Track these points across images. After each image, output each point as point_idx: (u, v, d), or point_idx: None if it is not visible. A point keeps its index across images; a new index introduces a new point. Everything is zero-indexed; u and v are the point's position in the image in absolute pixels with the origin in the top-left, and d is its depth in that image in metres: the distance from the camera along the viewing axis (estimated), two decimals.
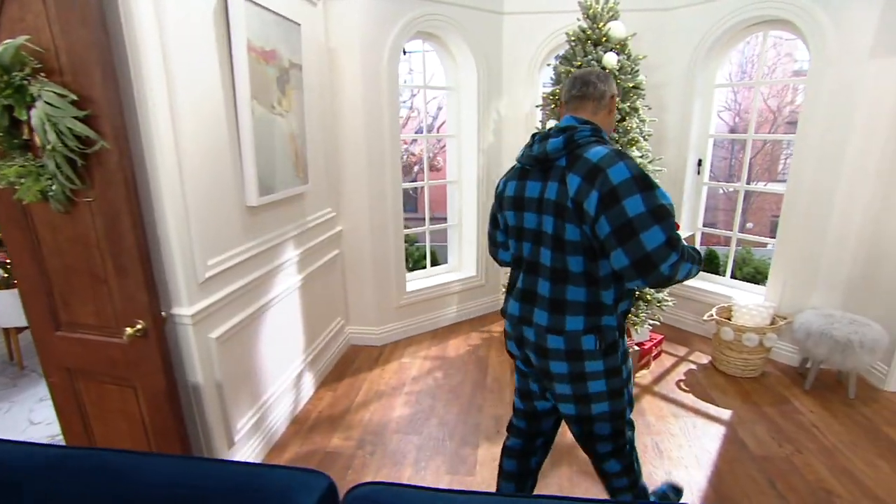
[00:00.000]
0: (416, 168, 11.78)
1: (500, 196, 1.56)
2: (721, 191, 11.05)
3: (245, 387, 2.22)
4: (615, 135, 2.76)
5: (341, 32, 2.91)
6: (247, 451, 2.21)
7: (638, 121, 2.82)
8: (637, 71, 2.86)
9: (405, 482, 2.15)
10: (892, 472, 2.22)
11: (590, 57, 2.76)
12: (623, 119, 2.81)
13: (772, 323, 3.04)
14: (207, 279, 1.90)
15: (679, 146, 3.44)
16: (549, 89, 3.06)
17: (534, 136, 1.44)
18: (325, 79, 2.93)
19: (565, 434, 2.46)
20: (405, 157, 11.32)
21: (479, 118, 3.50)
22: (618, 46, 2.81)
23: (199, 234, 1.85)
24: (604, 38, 2.79)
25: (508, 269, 1.63)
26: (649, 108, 3.16)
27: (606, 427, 1.50)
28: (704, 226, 3.79)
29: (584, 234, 1.29)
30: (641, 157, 2.87)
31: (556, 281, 1.37)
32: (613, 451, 1.57)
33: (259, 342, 2.31)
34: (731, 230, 3.48)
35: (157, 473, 0.87)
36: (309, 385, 2.83)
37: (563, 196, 1.30)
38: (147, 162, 1.67)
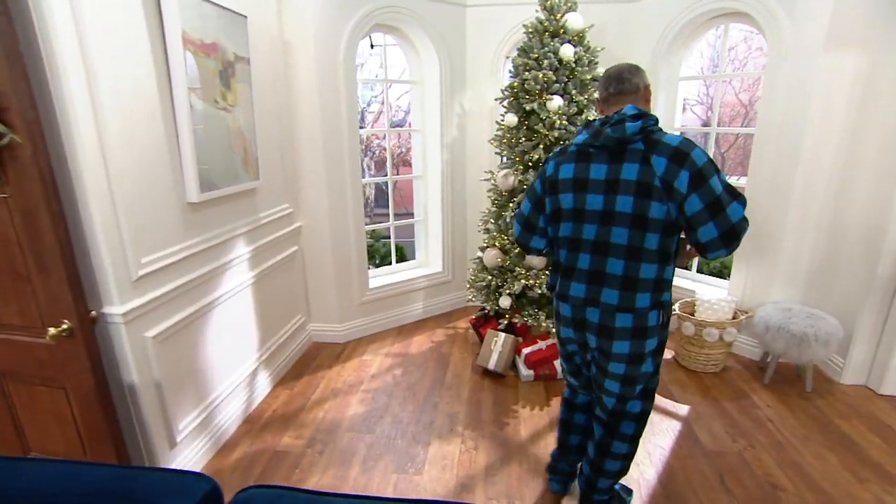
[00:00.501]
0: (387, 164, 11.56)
1: (551, 179, 1.57)
2: None
3: (189, 386, 2.18)
4: (573, 128, 2.74)
5: (295, 24, 2.86)
6: (191, 451, 2.17)
7: (596, 113, 2.79)
8: (596, 63, 2.83)
9: (350, 481, 2.13)
10: (838, 463, 2.23)
11: (547, 49, 2.73)
12: (581, 111, 2.78)
13: (733, 317, 3.04)
14: (141, 277, 1.86)
15: None
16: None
17: (591, 122, 1.52)
18: (280, 73, 2.88)
19: (519, 433, 2.46)
20: (378, 151, 11.21)
21: (443, 112, 3.46)
22: (575, 38, 2.79)
23: (131, 232, 1.80)
24: (561, 30, 2.76)
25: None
26: None
27: (638, 388, 1.65)
28: None
29: (669, 211, 1.40)
30: None
31: (631, 259, 1.45)
32: (640, 414, 1.70)
33: (205, 341, 2.27)
34: None
35: (7, 479, 0.84)
36: (265, 383, 2.79)
37: (648, 176, 1.39)
38: (68, 157, 1.62)
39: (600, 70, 2.85)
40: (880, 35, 2.50)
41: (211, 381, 2.33)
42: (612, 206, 1.45)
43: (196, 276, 2.16)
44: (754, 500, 2.02)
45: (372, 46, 4.00)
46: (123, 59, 1.74)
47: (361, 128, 11.58)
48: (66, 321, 1.67)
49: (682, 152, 1.38)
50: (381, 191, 12.11)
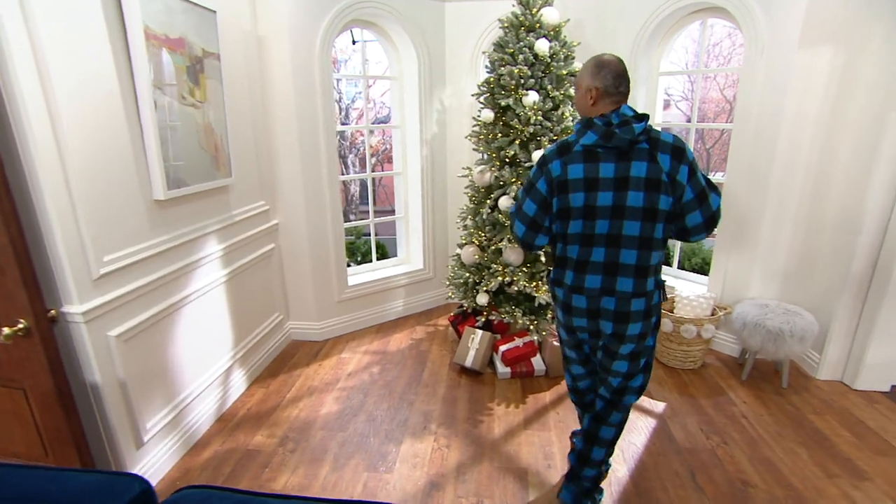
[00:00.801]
0: (373, 160, 11.55)
1: (559, 179, 1.62)
2: None
3: (158, 385, 2.16)
4: (549, 123, 2.72)
5: (270, 20, 2.83)
6: (160, 451, 2.15)
7: (571, 109, 2.77)
8: (572, 58, 2.81)
9: (320, 480, 2.12)
10: (809, 459, 2.23)
11: (522, 43, 2.71)
12: (556, 107, 2.76)
13: (712, 314, 3.04)
14: (104, 275, 1.84)
15: None
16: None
17: (593, 122, 1.55)
18: (254, 68, 2.85)
19: (492, 431, 2.45)
20: (363, 148, 11.17)
21: (422, 108, 3.43)
22: (551, 33, 2.76)
23: (92, 230, 1.78)
24: (537, 25, 2.74)
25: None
26: None
27: (642, 361, 1.79)
28: None
29: (673, 203, 1.56)
30: None
31: (643, 248, 1.60)
32: (641, 387, 1.83)
33: (174, 339, 2.25)
34: None
35: None
36: (240, 381, 2.78)
37: (657, 172, 1.53)
38: (21, 154, 1.59)
39: (577, 65, 2.83)
40: (854, 31, 2.49)
41: (181, 379, 2.31)
42: (623, 201, 1.56)
43: (164, 274, 2.13)
44: (724, 498, 2.02)
45: (354, 42, 3.97)
46: (80, 53, 1.71)
47: (345, 124, 11.56)
48: (21, 320, 1.65)
49: (679, 149, 1.54)
50: (366, 188, 12.09)
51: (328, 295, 3.34)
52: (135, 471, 2.00)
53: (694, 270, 3.52)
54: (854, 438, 2.37)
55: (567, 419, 2.53)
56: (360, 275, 3.59)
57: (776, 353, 2.72)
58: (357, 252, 4.56)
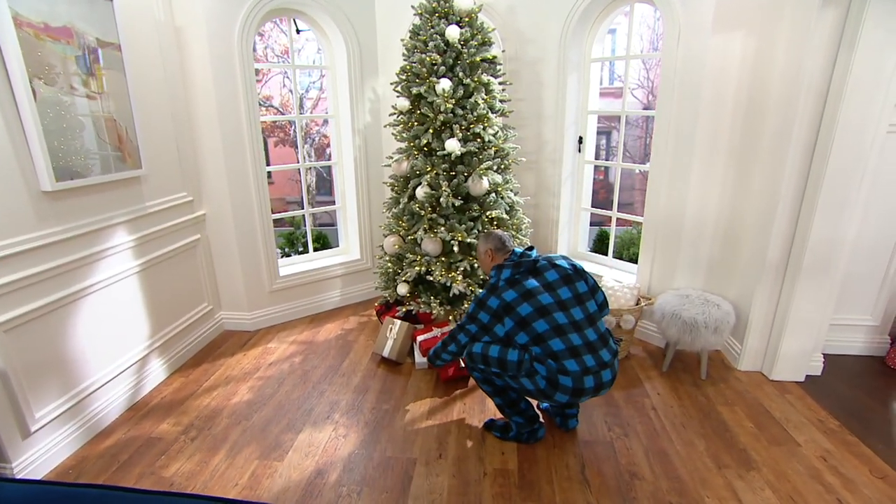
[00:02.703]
0: (328, 150, 11.49)
1: (502, 306, 2.04)
2: (637, 170, 10.91)
3: (52, 375, 2.18)
4: (460, 111, 2.69)
5: (187, 9, 2.81)
6: (54, 440, 2.18)
7: (485, 96, 2.73)
8: (489, 43, 2.77)
9: (210, 468, 2.14)
10: (705, 451, 2.21)
11: (434, 30, 2.67)
12: (470, 94, 2.73)
13: (637, 304, 3.01)
14: None
15: (556, 123, 3.36)
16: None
17: (499, 266, 2.11)
18: (172, 59, 2.84)
19: (395, 421, 2.44)
20: (318, 138, 11.10)
21: (353, 98, 3.41)
22: (466, 20, 2.72)
23: None
24: (449, 11, 2.69)
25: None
26: (509, 84, 3.10)
27: None
28: (620, 207, 3.63)
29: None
30: (494, 135, 2.80)
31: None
32: None
33: (73, 329, 2.27)
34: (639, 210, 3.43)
35: None
36: (159, 370, 2.80)
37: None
38: None
39: (494, 51, 2.80)
40: (767, 15, 2.43)
41: (82, 369, 2.33)
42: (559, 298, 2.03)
43: (56, 265, 2.14)
44: (608, 490, 2.01)
45: (298, 31, 3.94)
46: None
47: (301, 115, 11.45)
48: None
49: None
50: (322, 178, 12.03)
51: (259, 285, 3.35)
52: (17, 461, 2.02)
53: (631, 260, 3.47)
54: (755, 429, 2.34)
55: (473, 409, 2.53)
56: (294, 265, 3.59)
57: (693, 343, 2.70)
58: (297, 242, 4.58)
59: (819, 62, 2.27)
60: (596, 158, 3.46)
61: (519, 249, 2.14)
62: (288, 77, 11.07)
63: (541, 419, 2.32)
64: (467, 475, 2.09)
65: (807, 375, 2.72)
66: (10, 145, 1.97)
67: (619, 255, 3.60)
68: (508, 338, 2.03)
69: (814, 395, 2.59)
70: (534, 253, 2.11)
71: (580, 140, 3.44)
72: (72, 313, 2.26)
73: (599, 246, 4.64)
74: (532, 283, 2.00)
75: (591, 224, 4.00)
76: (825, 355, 2.91)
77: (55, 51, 2.10)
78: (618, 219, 3.48)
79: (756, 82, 2.53)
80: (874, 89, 2.21)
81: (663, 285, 3.05)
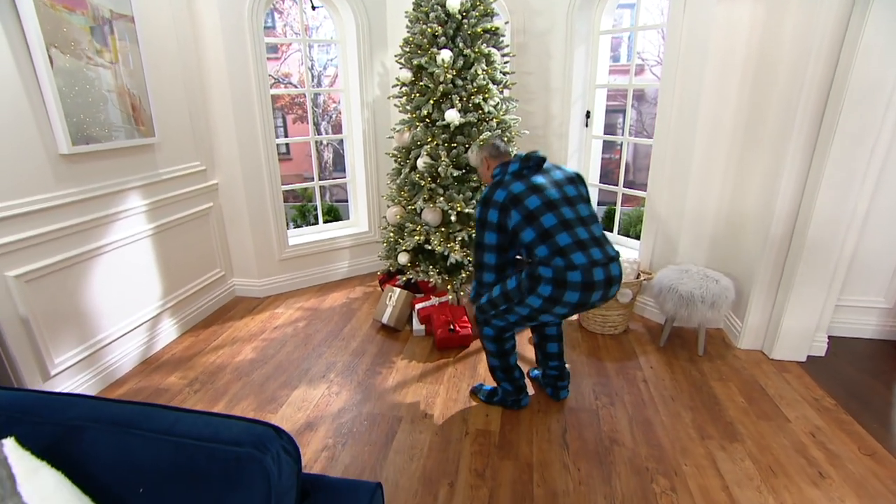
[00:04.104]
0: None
1: (509, 198, 1.97)
2: (651, 146, 10.54)
3: (70, 325, 2.36)
4: (460, 81, 2.70)
5: None
6: (71, 384, 2.36)
7: (486, 67, 2.74)
8: (491, 14, 2.77)
9: None
10: (690, 422, 2.21)
11: (435, 1, 2.69)
12: (470, 65, 2.74)
13: (637, 278, 2.98)
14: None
15: (563, 96, 3.33)
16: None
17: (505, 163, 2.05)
18: (186, 32, 2.95)
19: (386, 381, 2.53)
20: (335, 115, 11.16)
21: (362, 71, 3.46)
22: None
23: None
24: None
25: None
26: (513, 56, 3.08)
27: None
28: (635, 187, 3.57)
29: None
30: (495, 106, 2.81)
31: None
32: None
33: (89, 284, 2.43)
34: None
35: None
36: (171, 329, 2.97)
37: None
38: None
39: (496, 23, 2.79)
40: None
41: (98, 322, 2.51)
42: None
43: (73, 223, 2.30)
44: (586, 453, 2.05)
45: (314, 8, 4.01)
46: None
47: (317, 93, 11.58)
48: None
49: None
50: (338, 154, 12.13)
51: (269, 254, 3.48)
52: None
53: (638, 237, 3.42)
54: (746, 404, 2.32)
55: (463, 374, 2.58)
56: (303, 236, 3.71)
57: (689, 319, 2.67)
58: (308, 215, 4.70)
59: (830, 23, 2.16)
60: (612, 136, 3.40)
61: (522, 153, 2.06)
62: (309, 56, 11.20)
63: (528, 391, 2.35)
64: (449, 433, 2.16)
65: (809, 356, 2.65)
66: (30, 110, 2.11)
67: (625, 233, 3.56)
68: (506, 251, 2.01)
69: (813, 375, 2.52)
70: (540, 152, 2.05)
71: (588, 115, 3.39)
72: (88, 269, 2.43)
73: (608, 223, 4.58)
74: (539, 178, 1.96)
75: (601, 203, 3.95)
76: (833, 337, 2.83)
77: (70, 21, 2.23)
78: (628, 197, 3.44)
79: (764, 49, 2.45)
80: (888, 53, 2.10)
81: (665, 261, 3.01)
